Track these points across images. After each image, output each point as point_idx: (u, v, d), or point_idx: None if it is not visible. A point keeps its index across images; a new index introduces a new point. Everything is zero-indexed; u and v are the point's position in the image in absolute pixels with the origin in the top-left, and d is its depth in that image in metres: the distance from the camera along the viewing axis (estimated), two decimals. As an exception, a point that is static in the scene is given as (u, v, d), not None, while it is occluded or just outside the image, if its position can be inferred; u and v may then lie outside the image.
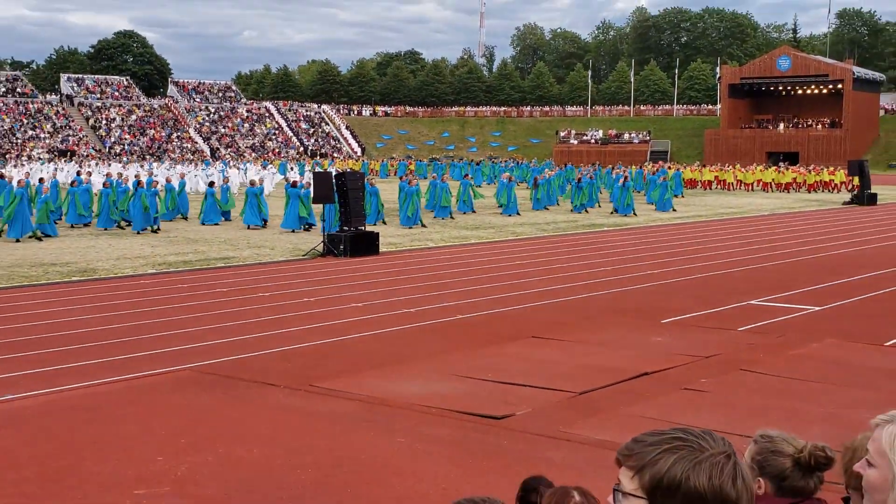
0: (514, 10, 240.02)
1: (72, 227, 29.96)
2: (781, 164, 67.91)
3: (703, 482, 1.63)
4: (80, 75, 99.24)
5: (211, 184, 34.81)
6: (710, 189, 58.14)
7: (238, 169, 57.03)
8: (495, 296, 17.09)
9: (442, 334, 13.72)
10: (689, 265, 21.73)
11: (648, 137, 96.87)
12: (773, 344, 13.08)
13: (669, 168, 55.18)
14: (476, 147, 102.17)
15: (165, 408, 9.81)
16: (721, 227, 32.44)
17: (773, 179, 57.66)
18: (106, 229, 29.22)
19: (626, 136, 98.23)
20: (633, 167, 58.63)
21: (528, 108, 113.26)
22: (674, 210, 39.62)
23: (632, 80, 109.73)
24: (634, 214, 36.75)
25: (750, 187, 57.85)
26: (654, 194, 41.22)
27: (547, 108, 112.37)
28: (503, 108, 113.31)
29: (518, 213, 36.46)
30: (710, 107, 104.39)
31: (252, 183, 35.00)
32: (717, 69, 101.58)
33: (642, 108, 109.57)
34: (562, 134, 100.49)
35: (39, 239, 26.02)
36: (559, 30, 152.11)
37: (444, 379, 10.99)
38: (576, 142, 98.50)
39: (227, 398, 10.21)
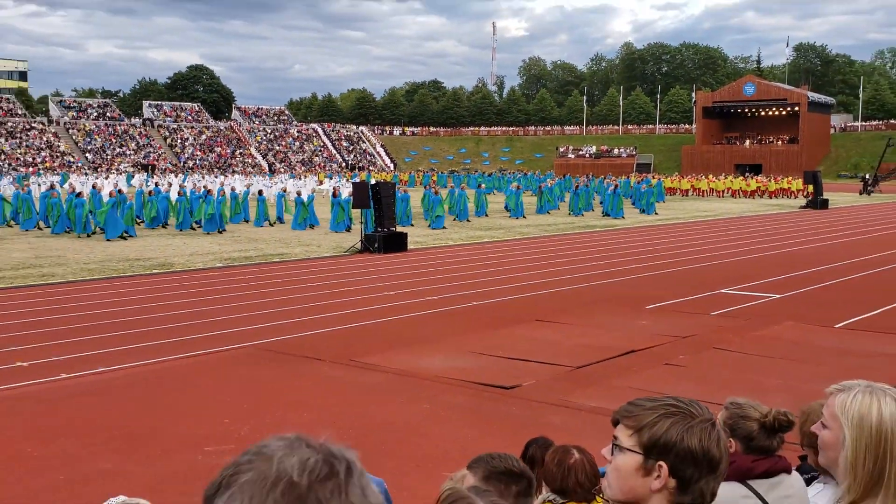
0: (521, 45, 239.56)
1: (152, 228, 30.12)
2: (747, 174, 67.50)
3: (695, 444, 1.65)
4: (159, 102, 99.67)
5: (298, 193, 34.87)
6: (687, 196, 57.85)
7: (302, 180, 57.04)
8: (505, 286, 17.06)
9: (460, 318, 13.71)
10: (669, 260, 21.60)
11: (635, 152, 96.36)
12: (740, 326, 12.99)
13: (653, 178, 54.96)
14: (489, 161, 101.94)
15: (230, 379, 9.85)
16: (696, 228, 32.23)
17: (740, 187, 57.33)
18: (181, 231, 29.36)
19: (616, 151, 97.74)
20: (622, 177, 58.34)
21: (533, 127, 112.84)
22: (656, 213, 39.45)
23: (620, 103, 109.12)
24: (623, 217, 36.59)
25: (721, 194, 57.54)
26: (642, 201, 41.02)
27: (549, 128, 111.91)
28: (511, 128, 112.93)
29: (524, 217, 36.36)
30: (687, 126, 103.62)
31: (298, 193, 35.10)
32: (693, 94, 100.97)
33: (629, 127, 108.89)
34: (561, 149, 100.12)
35: (125, 238, 26.17)
36: (559, 61, 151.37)
37: (462, 355, 10.98)
38: (573, 156, 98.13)
39: (280, 371, 10.24)
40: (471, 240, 27.16)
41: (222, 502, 0.90)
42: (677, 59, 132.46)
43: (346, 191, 34.03)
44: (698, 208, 44.77)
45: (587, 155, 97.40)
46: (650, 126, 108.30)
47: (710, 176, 62.22)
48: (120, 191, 28.68)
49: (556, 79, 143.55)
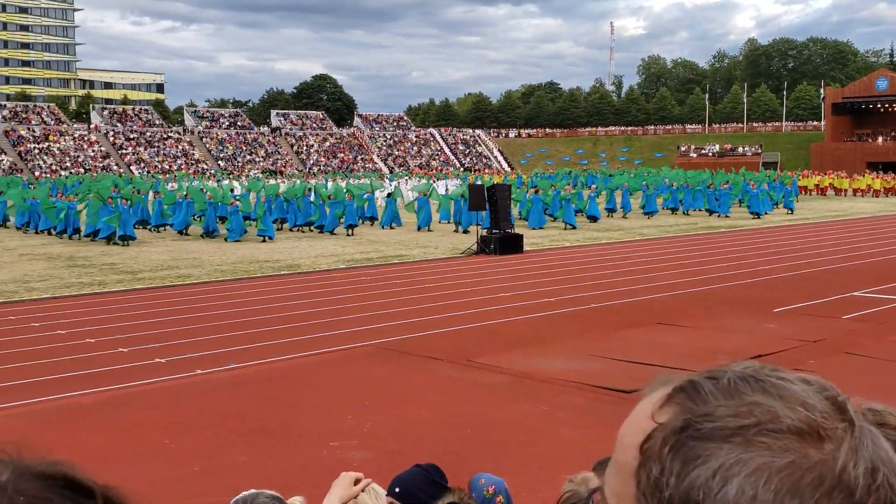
0: (640, 44, 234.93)
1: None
2: (881, 172, 63.94)
3: None
4: (286, 111, 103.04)
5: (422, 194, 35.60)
6: (821, 195, 55.39)
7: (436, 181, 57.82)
8: (624, 288, 16.75)
9: (578, 320, 13.55)
10: (797, 262, 20.69)
11: (760, 150, 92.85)
12: (874, 330, 12.30)
13: (790, 174, 53.27)
14: (606, 161, 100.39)
15: (352, 377, 10.07)
16: (825, 229, 30.74)
17: (882, 186, 54.19)
18: (302, 230, 30.30)
19: (740, 149, 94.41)
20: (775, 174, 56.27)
21: (653, 126, 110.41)
22: (790, 212, 38.36)
23: (744, 101, 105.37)
24: (728, 216, 35.43)
25: (863, 192, 54.63)
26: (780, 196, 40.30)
27: (669, 127, 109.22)
28: (630, 128, 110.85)
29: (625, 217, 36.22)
30: (815, 123, 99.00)
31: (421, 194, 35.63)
32: (821, 90, 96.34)
33: (754, 124, 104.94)
34: (682, 148, 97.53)
35: (264, 240, 27.16)
36: (679, 59, 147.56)
37: (581, 358, 10.85)
38: (695, 155, 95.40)
39: (401, 369, 10.39)
40: (588, 241, 26.80)
41: None
42: (804, 54, 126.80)
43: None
44: (829, 208, 42.72)
45: (710, 153, 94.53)
46: (776, 123, 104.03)
47: (843, 173, 59.24)
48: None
49: (677, 77, 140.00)
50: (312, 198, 32.48)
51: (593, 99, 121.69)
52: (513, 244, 23.32)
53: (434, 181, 53.96)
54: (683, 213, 38.76)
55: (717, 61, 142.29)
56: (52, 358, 11.01)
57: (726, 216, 36.57)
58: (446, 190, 34.72)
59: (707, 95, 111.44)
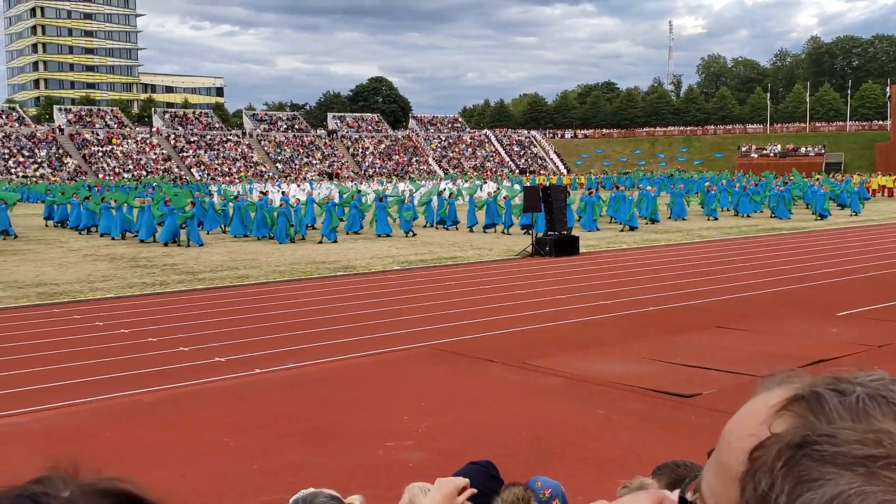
0: (699, 42, 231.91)
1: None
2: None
3: None
4: (342, 113, 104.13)
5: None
6: (888, 196, 53.84)
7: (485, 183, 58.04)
8: (682, 290, 16.51)
9: (635, 323, 13.40)
10: (862, 264, 20.14)
11: (823, 150, 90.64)
12: (945, 336, 11.90)
13: (855, 175, 51.83)
14: (665, 162, 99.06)
15: (408, 377, 10.11)
16: (891, 231, 29.87)
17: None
18: (356, 232, 30.55)
19: (803, 149, 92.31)
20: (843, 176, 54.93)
21: (712, 126, 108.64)
22: (855, 214, 37.38)
23: (807, 100, 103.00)
24: (789, 218, 34.67)
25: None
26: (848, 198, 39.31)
27: (729, 127, 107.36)
28: (689, 128, 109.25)
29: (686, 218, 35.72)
30: (881, 122, 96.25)
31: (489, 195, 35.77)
32: (888, 89, 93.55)
33: (817, 124, 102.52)
34: (743, 148, 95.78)
35: (321, 242, 27.48)
36: (740, 58, 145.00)
37: (638, 361, 10.73)
38: (756, 155, 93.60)
39: (455, 371, 10.40)
40: (645, 243, 26.49)
41: None
42: (869, 51, 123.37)
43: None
44: (894, 209, 41.50)
45: (772, 154, 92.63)
46: (840, 123, 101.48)
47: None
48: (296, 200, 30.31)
49: (737, 76, 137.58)
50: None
51: (651, 98, 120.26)
52: (569, 246, 23.16)
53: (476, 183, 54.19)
54: (745, 214, 38.07)
55: (778, 60, 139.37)
56: (114, 356, 11.29)
57: (787, 218, 35.80)
58: (488, 194, 34.85)
59: (768, 95, 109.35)
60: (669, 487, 2.59)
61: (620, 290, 16.71)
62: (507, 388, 9.60)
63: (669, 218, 36.20)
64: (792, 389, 0.66)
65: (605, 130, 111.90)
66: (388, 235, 29.66)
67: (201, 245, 26.80)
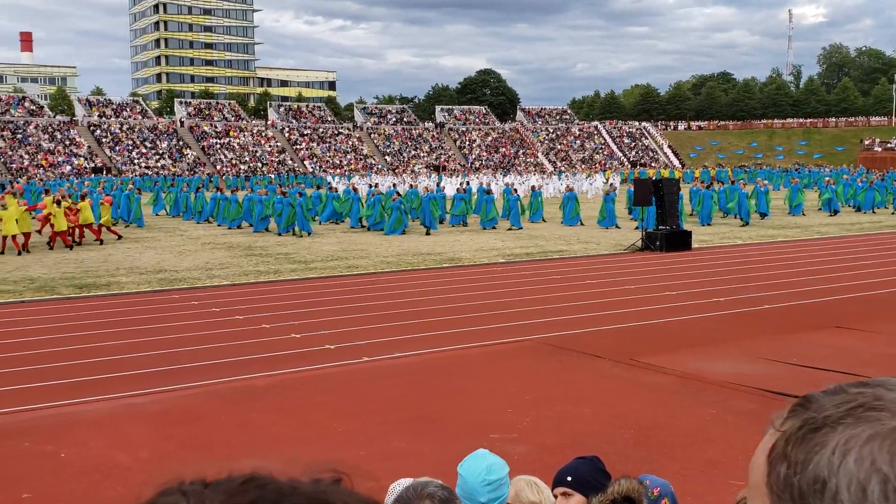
0: (820, 32, 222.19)
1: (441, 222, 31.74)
2: None
3: None
4: (450, 106, 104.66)
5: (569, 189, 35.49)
6: None
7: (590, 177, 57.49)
8: (799, 288, 15.87)
9: (750, 321, 12.96)
10: None
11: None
12: None
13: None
14: (783, 155, 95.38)
15: (514, 371, 10.10)
16: None
17: None
18: (463, 224, 30.68)
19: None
20: None
21: (833, 119, 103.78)
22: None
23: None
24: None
25: None
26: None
27: (851, 119, 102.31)
28: (809, 120, 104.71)
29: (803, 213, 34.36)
30: None
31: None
32: None
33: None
34: (866, 142, 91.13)
35: (427, 233, 27.79)
36: (864, 48, 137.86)
37: (752, 361, 10.38)
38: (880, 149, 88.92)
39: (561, 365, 10.32)
40: (761, 238, 25.58)
41: None
42: None
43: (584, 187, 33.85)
44: None
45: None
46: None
47: None
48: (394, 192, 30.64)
49: (861, 66, 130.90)
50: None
51: (769, 90, 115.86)
52: (680, 241, 22.62)
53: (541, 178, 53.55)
54: (868, 210, 36.25)
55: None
56: (229, 342, 11.73)
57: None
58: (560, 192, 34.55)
59: (894, 86, 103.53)
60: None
61: (734, 286, 16.21)
62: (614, 384, 9.46)
63: (788, 213, 34.83)
64: (790, 405, 0.79)
65: (720, 122, 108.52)
66: (493, 228, 29.69)
67: (310, 234, 27.57)
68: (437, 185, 39.60)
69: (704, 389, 9.11)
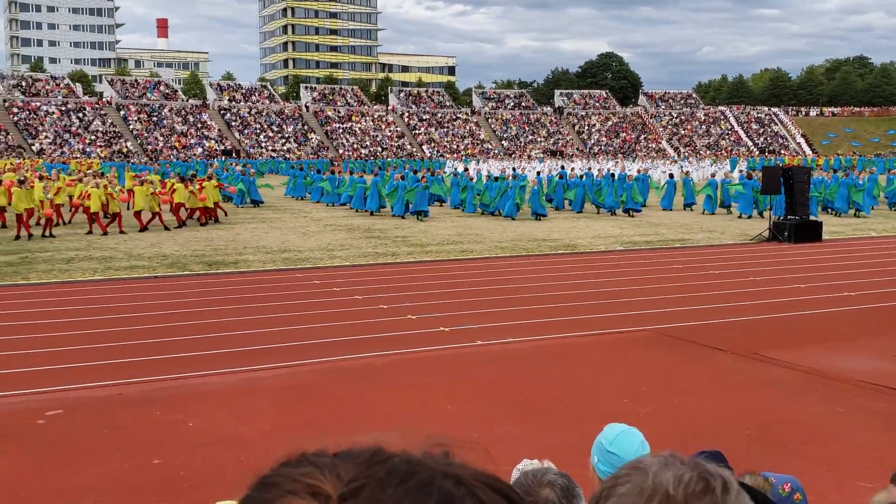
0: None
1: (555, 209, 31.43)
2: None
3: None
4: (570, 91, 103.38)
5: (671, 175, 34.64)
6: None
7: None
8: (942, 285, 14.89)
9: (882, 317, 12.27)
10: None
11: None
12: None
13: None
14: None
15: (630, 360, 9.92)
16: None
17: None
18: (579, 212, 30.29)
19: None
20: None
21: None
22: None
23: None
24: None
25: None
26: None
27: None
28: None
29: None
30: None
31: (713, 175, 34.34)
32: None
33: None
34: None
35: (538, 219, 27.64)
36: None
37: (884, 358, 9.83)
38: None
39: (680, 358, 10.06)
40: (899, 231, 24.16)
41: None
42: None
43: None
44: None
45: None
46: None
47: None
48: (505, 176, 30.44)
49: None
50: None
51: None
52: (810, 232, 21.62)
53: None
54: None
55: None
56: (349, 321, 11.99)
57: None
58: (712, 175, 33.25)
59: None
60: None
61: (867, 280, 15.37)
62: (736, 378, 9.15)
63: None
64: None
65: (855, 109, 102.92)
66: (612, 213, 29.22)
67: (427, 216, 27.83)
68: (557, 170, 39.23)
69: (831, 386, 8.69)
